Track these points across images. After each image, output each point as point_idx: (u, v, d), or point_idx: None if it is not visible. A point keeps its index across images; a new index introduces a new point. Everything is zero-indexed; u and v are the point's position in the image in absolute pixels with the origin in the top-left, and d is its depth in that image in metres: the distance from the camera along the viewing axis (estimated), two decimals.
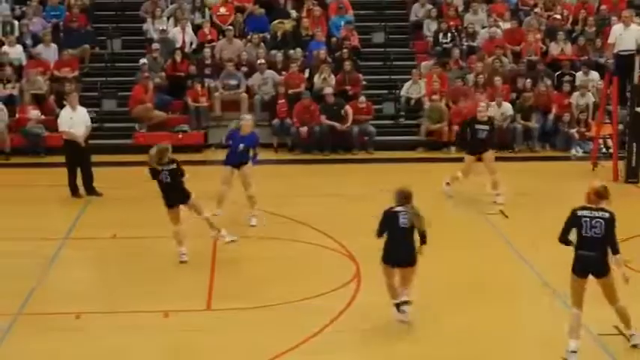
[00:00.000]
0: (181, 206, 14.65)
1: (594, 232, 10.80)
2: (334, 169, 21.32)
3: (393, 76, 25.09)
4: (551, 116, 23.62)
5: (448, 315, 12.49)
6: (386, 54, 25.77)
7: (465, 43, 25.57)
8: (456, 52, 24.87)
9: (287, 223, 16.90)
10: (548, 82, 24.16)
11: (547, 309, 12.93)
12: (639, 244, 15.68)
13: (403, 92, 24.16)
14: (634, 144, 19.91)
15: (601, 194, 10.87)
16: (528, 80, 24.03)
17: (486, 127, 18.23)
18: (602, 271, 10.93)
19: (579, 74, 24.51)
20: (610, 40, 21.03)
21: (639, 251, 15.13)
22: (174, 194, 14.50)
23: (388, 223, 11.86)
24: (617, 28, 20.85)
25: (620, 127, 21.11)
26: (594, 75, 24.30)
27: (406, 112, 24.03)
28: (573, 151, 23.01)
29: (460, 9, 26.62)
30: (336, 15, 26.02)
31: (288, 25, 25.58)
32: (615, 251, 10.99)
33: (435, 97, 23.37)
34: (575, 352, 10.99)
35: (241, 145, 16.52)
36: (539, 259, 14.80)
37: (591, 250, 10.85)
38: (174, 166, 14.48)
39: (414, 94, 24.06)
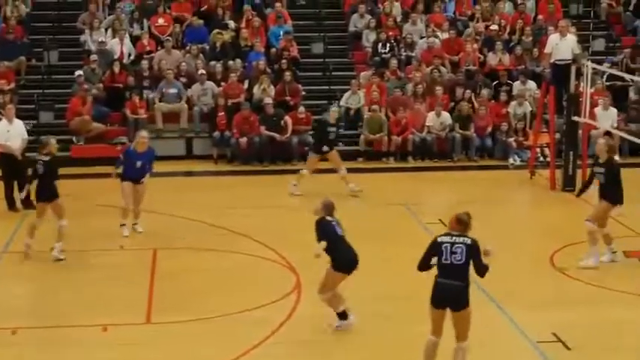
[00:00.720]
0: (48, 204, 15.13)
1: (454, 259, 10.27)
2: (274, 180, 21.28)
3: (332, 87, 25.11)
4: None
5: (388, 325, 12.51)
6: (325, 64, 25.81)
7: (404, 53, 25.68)
8: (395, 62, 24.96)
9: (226, 234, 16.84)
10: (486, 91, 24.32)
11: (485, 318, 13.00)
12: (576, 251, 15.81)
13: (342, 102, 24.18)
14: (570, 153, 20.10)
15: (462, 221, 10.43)
16: (467, 91, 24.16)
17: (334, 129, 19.75)
18: (464, 303, 10.36)
19: (517, 84, 24.72)
20: (547, 50, 21.22)
21: (576, 259, 15.35)
22: (44, 189, 15.08)
23: (326, 231, 11.84)
24: (553, 38, 21.05)
25: (557, 135, 21.30)
26: (531, 84, 24.51)
27: (346, 123, 24.06)
28: (511, 160, 23.17)
29: (399, 19, 26.73)
30: (275, 25, 26.01)
31: (227, 35, 25.50)
32: (483, 275, 10.53)
33: (374, 107, 23.42)
34: None
35: (138, 163, 16.60)
36: None
37: (450, 279, 10.30)
38: (48, 158, 15.07)
39: (353, 104, 24.11)
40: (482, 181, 21.80)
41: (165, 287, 14.04)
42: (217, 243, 16.26)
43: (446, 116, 23.53)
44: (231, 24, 25.98)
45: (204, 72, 24.06)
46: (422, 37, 26.09)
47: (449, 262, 10.27)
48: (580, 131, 20.38)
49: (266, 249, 15.74)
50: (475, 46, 25.66)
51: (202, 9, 26.60)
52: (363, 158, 23.25)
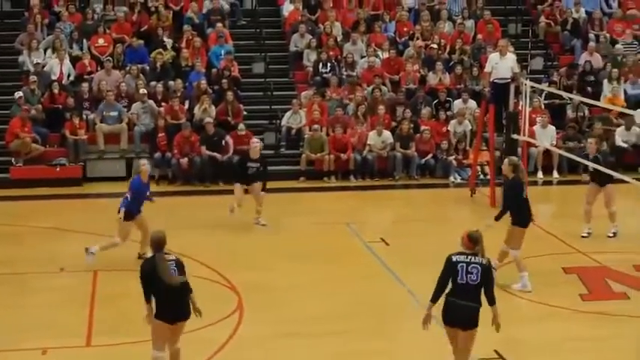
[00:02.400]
0: None
1: (470, 279, 10.27)
2: (215, 200, 21.20)
3: (273, 106, 25.11)
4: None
5: (333, 343, 12.51)
6: (266, 84, 25.81)
7: (345, 73, 25.79)
8: (335, 81, 25.05)
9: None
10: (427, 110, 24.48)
11: (429, 338, 13.02)
12: (516, 269, 15.92)
13: (284, 122, 24.21)
14: None
15: (474, 239, 10.40)
16: (407, 110, 24.28)
17: (257, 165, 18.45)
18: (474, 323, 10.38)
19: (457, 102, 24.91)
20: (486, 69, 21.39)
21: (517, 275, 15.46)
22: None
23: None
24: (493, 57, 21.24)
25: (497, 153, 21.47)
26: (471, 103, 24.72)
27: (287, 142, 24.08)
28: (452, 178, 23.32)
29: (339, 39, 26.83)
30: (216, 45, 25.97)
31: (167, 55, 25.44)
32: (493, 302, 10.52)
33: (315, 126, 23.47)
34: None
35: (147, 193, 16.11)
36: (420, 284, 14.92)
37: (464, 299, 10.28)
38: None
39: (294, 123, 24.13)
40: (424, 200, 21.96)
41: (106, 309, 13.90)
42: None
43: (387, 135, 23.64)
44: (172, 44, 25.90)
45: (144, 92, 23.95)
46: (362, 57, 26.21)
47: (464, 281, 10.23)
48: (519, 149, 20.55)
49: (208, 269, 15.66)
50: (416, 66, 25.83)
51: (142, 29, 26.51)
52: (305, 178, 23.26)
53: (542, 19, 28.12)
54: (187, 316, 10.87)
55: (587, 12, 28.15)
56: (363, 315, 13.71)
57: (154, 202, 16.55)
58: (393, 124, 24.25)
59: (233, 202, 18.31)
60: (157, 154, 23.06)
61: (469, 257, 10.29)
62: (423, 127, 23.88)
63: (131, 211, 15.88)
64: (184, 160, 22.72)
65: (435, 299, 10.44)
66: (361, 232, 18.41)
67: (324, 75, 25.50)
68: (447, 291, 10.41)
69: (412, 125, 23.95)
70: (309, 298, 14.17)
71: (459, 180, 23.21)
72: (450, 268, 10.31)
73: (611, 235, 17.67)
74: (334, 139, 23.48)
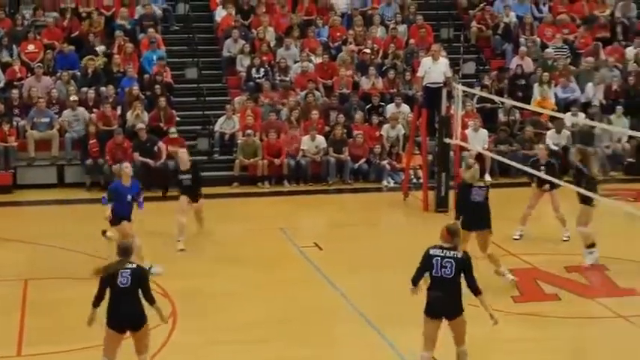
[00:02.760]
0: None
1: (444, 273, 10.63)
2: (148, 206, 20.99)
3: (206, 112, 24.99)
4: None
5: (267, 349, 12.47)
6: (199, 89, 25.68)
7: (278, 78, 25.77)
8: (269, 86, 25.02)
9: (103, 262, 16.48)
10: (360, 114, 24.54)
11: (364, 342, 13.07)
12: None
13: (217, 128, 24.10)
14: (443, 174, 20.41)
15: (452, 231, 10.83)
16: (341, 115, 24.32)
17: (188, 176, 17.75)
18: (457, 312, 10.78)
19: (390, 107, 25.00)
20: (419, 74, 21.52)
21: None
22: None
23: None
24: (425, 62, 21.37)
25: (430, 157, 21.62)
26: (404, 107, 24.82)
27: (220, 148, 23.98)
28: (385, 182, 23.39)
29: (273, 44, 26.79)
30: (148, 51, 25.80)
31: (98, 61, 25.21)
32: (476, 292, 10.85)
33: (248, 131, 23.40)
34: None
35: (129, 197, 15.80)
36: (354, 289, 14.97)
37: (442, 291, 10.67)
38: None
39: (227, 129, 24.04)
40: (357, 204, 22.01)
41: (37, 318, 13.72)
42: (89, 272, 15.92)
43: (320, 140, 23.65)
44: (103, 49, 25.68)
45: (76, 98, 23.72)
46: (296, 62, 26.20)
47: (439, 275, 10.63)
48: (452, 153, 20.70)
49: None
50: (349, 70, 25.90)
51: (73, 35, 26.22)
52: (238, 183, 23.18)
53: (474, 23, 28.33)
54: (134, 327, 10.73)
55: (517, 17, 28.40)
56: (296, 320, 13.69)
57: (140, 210, 16.25)
58: (327, 128, 24.27)
59: (180, 218, 17.71)
60: (89, 161, 22.84)
61: (444, 251, 10.67)
62: (355, 132, 23.93)
63: (116, 215, 15.63)
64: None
65: (414, 283, 11.08)
66: (295, 237, 18.39)
67: (258, 80, 25.44)
68: (428, 284, 10.86)
69: (345, 130, 24.00)
70: (243, 304, 14.12)
71: (392, 184, 23.28)
72: (426, 261, 10.77)
73: (565, 238, 17.69)
74: (268, 145, 23.44)
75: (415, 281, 11.05)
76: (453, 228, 10.92)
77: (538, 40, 27.86)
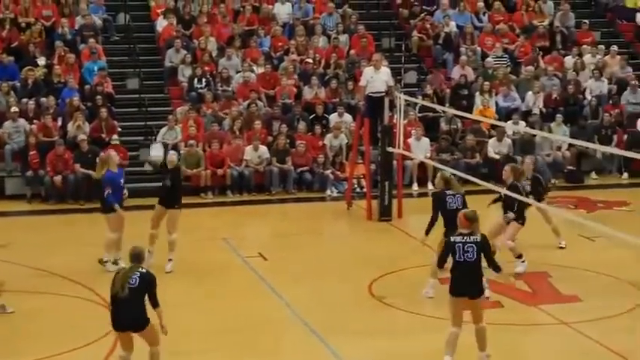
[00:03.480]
0: None
1: (467, 257, 11.55)
2: (90, 218, 20.85)
3: (148, 122, 24.86)
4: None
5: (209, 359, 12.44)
6: (141, 100, 25.54)
7: (220, 88, 25.70)
8: (211, 96, 24.95)
9: (44, 275, 16.37)
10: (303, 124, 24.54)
11: (308, 351, 13.06)
12: (394, 279, 16.11)
13: (159, 138, 23.96)
14: (386, 183, 20.47)
15: (470, 218, 11.74)
16: (283, 125, 24.31)
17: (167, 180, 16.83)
18: (479, 291, 11.76)
19: (333, 116, 25.05)
20: (361, 83, 21.59)
21: (395, 287, 15.63)
22: None
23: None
24: (367, 71, 21.44)
25: (373, 166, 21.67)
26: (347, 117, 24.88)
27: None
28: (328, 192, 23.41)
29: (214, 54, 26.73)
30: (89, 61, 25.60)
31: (39, 72, 24.97)
32: (497, 269, 11.99)
33: (191, 142, 23.30)
34: None
35: (122, 181, 16.45)
36: (298, 298, 14.97)
37: (466, 274, 11.59)
38: None
39: (170, 139, 23.91)
40: (301, 214, 21.99)
41: None
42: (31, 284, 15.77)
43: (263, 150, 23.62)
44: (43, 60, 25.44)
45: (16, 110, 23.47)
46: (238, 72, 26.15)
47: (462, 260, 11.55)
48: (394, 161, 20.78)
49: (83, 288, 15.40)
50: (291, 80, 25.91)
51: (12, 45, 25.97)
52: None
53: (415, 33, 28.49)
54: (136, 328, 11.10)
55: (458, 26, 28.62)
56: (240, 330, 13.65)
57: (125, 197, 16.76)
58: (270, 138, 24.25)
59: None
60: (29, 173, 22.60)
61: (465, 237, 11.61)
62: (298, 142, 23.93)
63: (111, 202, 16.17)
64: (58, 178, 22.30)
65: (440, 267, 12.24)
66: (239, 247, 18.35)
67: (200, 90, 25.36)
68: (450, 267, 11.75)
69: (288, 140, 23.99)
70: (187, 315, 14.03)
71: (335, 193, 23.30)
72: (449, 248, 11.70)
73: (562, 246, 17.72)
74: (211, 155, 23.35)
75: (440, 265, 12.15)
76: (470, 214, 11.81)
77: (478, 49, 28.09)
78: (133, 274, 11.01)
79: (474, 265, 11.61)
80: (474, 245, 11.57)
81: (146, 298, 11.06)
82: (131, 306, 10.98)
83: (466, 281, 11.65)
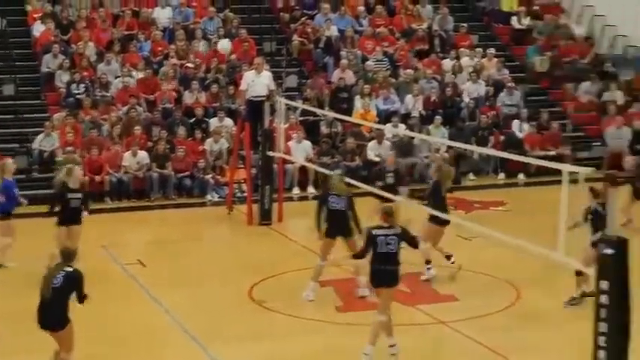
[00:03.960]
0: None
1: (389, 249, 12.10)
2: None
3: (24, 129, 24.37)
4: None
5: None
6: (16, 107, 25.02)
7: (99, 93, 25.35)
8: (89, 102, 24.59)
9: None
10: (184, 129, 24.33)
11: (188, 358, 12.97)
12: (275, 283, 16.09)
13: (35, 145, 23.51)
14: (267, 187, 20.42)
15: (388, 212, 12.29)
16: (163, 130, 24.09)
17: (79, 195, 16.40)
18: (396, 282, 12.38)
19: (213, 120, 24.92)
20: (242, 87, 21.56)
21: (275, 290, 15.62)
22: None
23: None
24: (249, 75, 21.41)
25: (254, 171, 21.61)
26: (228, 121, 24.78)
27: (39, 166, 23.40)
28: (209, 197, 23.25)
29: (93, 59, 26.33)
30: None
31: None
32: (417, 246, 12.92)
33: (69, 148, 22.92)
34: (367, 354, 12.18)
35: (15, 190, 16.62)
36: (178, 305, 14.84)
37: (386, 265, 12.16)
38: None
39: (47, 146, 23.48)
40: (181, 219, 21.79)
41: None
42: None
43: (142, 155, 23.35)
44: None
45: None
46: (117, 77, 25.84)
47: (384, 251, 12.11)
48: (275, 166, 20.77)
49: None
50: (171, 85, 25.69)
51: None
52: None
53: (296, 37, 28.53)
54: (55, 328, 11.20)
55: (339, 30, 28.75)
56: (120, 339, 13.47)
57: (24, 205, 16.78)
58: (149, 144, 23.99)
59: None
60: None
61: (386, 230, 12.18)
62: (178, 147, 23.74)
63: (8, 211, 16.43)
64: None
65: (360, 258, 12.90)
66: (118, 254, 18.09)
67: (78, 96, 24.95)
68: (370, 259, 12.33)
69: (168, 145, 23.77)
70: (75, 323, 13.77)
71: (216, 198, 23.14)
72: (371, 240, 12.23)
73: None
74: (89, 161, 23.00)
75: (360, 257, 12.77)
76: (387, 209, 12.42)
77: (359, 53, 28.27)
78: (58, 273, 11.08)
79: (394, 256, 12.18)
80: (395, 237, 12.15)
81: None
82: (53, 305, 11.04)
83: (386, 272, 12.20)
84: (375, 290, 12.69)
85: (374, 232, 12.26)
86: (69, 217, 16.20)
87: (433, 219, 15.64)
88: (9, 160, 16.86)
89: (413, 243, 12.66)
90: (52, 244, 15.15)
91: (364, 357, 12.13)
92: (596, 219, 13.99)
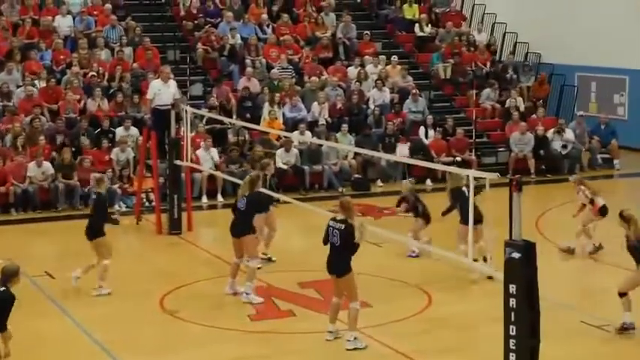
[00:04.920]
0: None
1: (333, 240, 12.85)
2: None
3: None
4: None
5: None
6: None
7: (1, 103, 24.92)
8: None
9: None
10: (87, 141, 24.03)
11: None
12: (187, 293, 16.02)
13: None
14: (175, 196, 20.30)
15: (344, 205, 12.97)
16: (67, 139, 23.78)
17: None
18: (341, 272, 12.93)
19: (119, 130, 24.69)
20: (148, 96, 21.41)
21: (187, 300, 15.54)
22: None
23: None
24: (155, 84, 21.27)
25: (161, 180, 21.46)
26: (133, 130, 24.58)
27: None
28: (117, 207, 22.99)
29: None
30: None
31: None
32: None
33: None
34: (331, 332, 13.28)
35: None
36: (88, 317, 14.68)
37: (334, 254, 12.96)
38: None
39: None
40: None
41: None
42: None
43: (47, 166, 23.01)
44: None
45: None
46: (19, 86, 25.45)
47: (332, 242, 12.90)
48: (183, 174, 20.67)
49: None
50: (75, 94, 25.35)
51: None
52: None
53: (200, 45, 28.45)
54: None
55: (242, 38, 28.77)
56: (30, 352, 13.23)
57: None
58: (54, 154, 23.66)
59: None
60: None
61: (335, 223, 12.89)
62: (84, 157, 23.46)
63: None
64: None
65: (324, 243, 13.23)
66: (25, 267, 17.55)
67: None
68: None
69: (73, 155, 23.47)
70: None
71: (124, 208, 22.93)
72: (326, 229, 13.01)
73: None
74: None
75: (325, 243, 13.17)
76: (343, 202, 13.10)
77: (264, 60, 28.32)
78: None
79: (339, 248, 12.82)
80: (338, 232, 12.78)
81: None
82: None
83: (332, 260, 12.97)
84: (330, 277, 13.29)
85: (329, 221, 13.06)
86: None
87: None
88: None
89: (348, 246, 12.91)
90: None
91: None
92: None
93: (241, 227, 15.50)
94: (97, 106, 25.26)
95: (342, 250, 12.89)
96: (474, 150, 26.71)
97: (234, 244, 15.63)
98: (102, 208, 16.40)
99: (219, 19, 29.39)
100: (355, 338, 13.11)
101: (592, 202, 17.78)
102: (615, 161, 28.22)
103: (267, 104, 26.24)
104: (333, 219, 13.02)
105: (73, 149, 23.64)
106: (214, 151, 24.16)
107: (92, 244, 16.06)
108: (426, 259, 17.59)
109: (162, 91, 20.84)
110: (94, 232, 16.05)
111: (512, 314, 10.67)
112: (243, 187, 15.79)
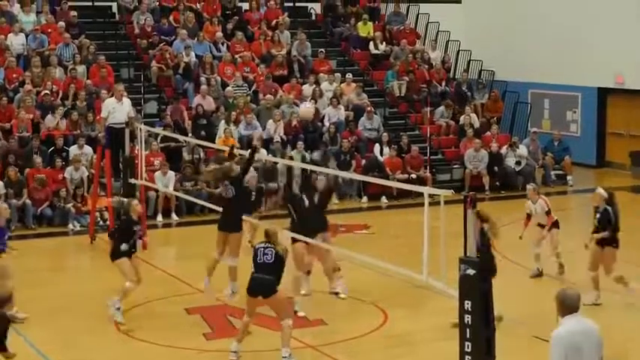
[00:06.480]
0: None
1: (266, 259, 13.03)
2: None
3: None
4: None
5: None
6: None
7: None
8: None
9: None
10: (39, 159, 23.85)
11: None
12: (142, 312, 15.91)
13: None
14: None
15: (268, 233, 13.22)
16: (19, 159, 23.58)
17: None
18: (269, 292, 13.00)
19: (73, 148, 24.54)
20: (103, 114, 21.32)
21: (142, 319, 15.43)
22: None
23: None
24: (109, 102, 21.20)
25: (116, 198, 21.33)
26: (87, 149, 24.44)
27: None
28: (70, 226, 22.84)
29: None
30: None
31: None
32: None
33: None
34: (235, 352, 13.22)
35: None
36: (39, 337, 14.54)
37: (264, 273, 13.03)
38: None
39: None
40: (43, 249, 21.33)
41: None
42: None
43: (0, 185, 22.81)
44: None
45: None
46: None
47: (262, 261, 13.04)
48: (137, 193, 20.55)
49: None
50: (28, 113, 25.14)
51: None
52: None
53: (154, 63, 28.37)
54: None
55: (197, 56, 28.72)
56: None
57: None
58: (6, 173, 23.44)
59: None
60: None
61: (265, 244, 13.19)
62: (37, 175, 23.26)
63: None
64: None
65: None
66: None
67: None
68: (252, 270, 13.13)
69: (22, 173, 23.26)
70: None
71: (78, 227, 22.77)
72: (254, 254, 13.21)
73: None
74: None
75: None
76: (269, 231, 13.33)
77: (219, 78, 28.29)
78: None
79: (270, 266, 12.99)
80: (272, 250, 13.05)
81: None
82: None
83: (261, 282, 13.02)
84: (249, 300, 13.36)
85: (257, 245, 13.38)
86: None
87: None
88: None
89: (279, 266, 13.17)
90: None
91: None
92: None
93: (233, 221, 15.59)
94: (52, 125, 25.06)
95: (274, 269, 13.08)
96: (428, 167, 26.82)
97: (220, 237, 15.46)
98: None
99: (174, 37, 29.31)
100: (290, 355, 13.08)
101: (548, 212, 17.77)
102: (569, 177, 28.50)
103: (223, 122, 26.18)
104: (261, 242, 13.27)
105: (24, 168, 23.41)
106: (171, 176, 23.89)
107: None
108: (383, 276, 17.59)
109: (117, 109, 20.77)
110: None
111: (468, 331, 10.72)
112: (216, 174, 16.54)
